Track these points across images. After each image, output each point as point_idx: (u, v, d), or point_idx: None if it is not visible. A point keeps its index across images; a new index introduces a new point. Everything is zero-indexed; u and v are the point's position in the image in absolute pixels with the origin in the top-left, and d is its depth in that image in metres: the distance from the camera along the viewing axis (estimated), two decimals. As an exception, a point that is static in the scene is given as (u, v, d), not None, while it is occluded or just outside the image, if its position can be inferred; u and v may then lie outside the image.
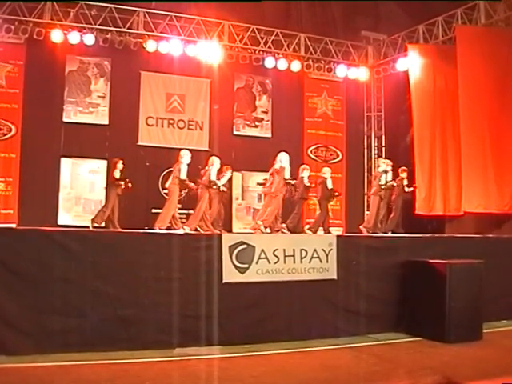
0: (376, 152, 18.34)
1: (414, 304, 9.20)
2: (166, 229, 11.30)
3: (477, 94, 13.71)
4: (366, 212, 17.48)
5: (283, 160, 11.89)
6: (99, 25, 14.57)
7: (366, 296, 9.17)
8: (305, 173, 13.15)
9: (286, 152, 12.10)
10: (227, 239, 8.52)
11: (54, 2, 14.15)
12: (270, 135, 17.20)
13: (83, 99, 15.23)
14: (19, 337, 7.19)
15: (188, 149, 12.85)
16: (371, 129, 18.50)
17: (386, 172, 13.52)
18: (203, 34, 15.57)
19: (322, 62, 17.31)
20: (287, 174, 11.75)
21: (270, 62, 16.47)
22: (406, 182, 13.63)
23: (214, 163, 12.28)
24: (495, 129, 13.66)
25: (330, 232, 13.23)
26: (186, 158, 11.88)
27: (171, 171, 12.12)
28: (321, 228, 13.35)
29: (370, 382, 6.82)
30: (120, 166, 12.56)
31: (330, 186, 13.54)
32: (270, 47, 16.45)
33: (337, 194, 13.95)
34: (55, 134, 14.82)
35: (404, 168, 13.70)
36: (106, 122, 15.32)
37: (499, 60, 13.67)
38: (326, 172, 13.75)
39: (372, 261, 9.34)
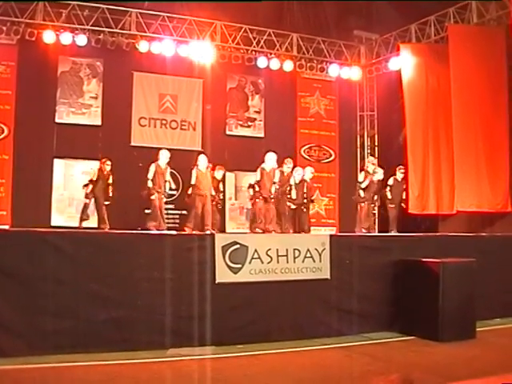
0: (369, 151, 18.37)
1: (407, 303, 9.19)
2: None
3: (469, 92, 13.75)
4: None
5: (267, 160, 11.86)
6: (91, 25, 14.58)
7: (359, 295, 9.16)
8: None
9: (272, 152, 12.05)
10: (220, 239, 8.49)
11: (46, 3, 14.13)
12: (262, 135, 17.21)
13: (76, 100, 15.22)
14: (12, 338, 7.13)
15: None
16: (364, 128, 18.54)
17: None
18: (195, 34, 15.58)
19: (315, 61, 17.36)
20: (277, 177, 11.72)
21: (262, 62, 16.50)
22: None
23: (198, 162, 12.30)
24: (488, 128, 13.72)
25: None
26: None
27: None
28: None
29: (363, 381, 6.85)
30: (106, 167, 12.60)
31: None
32: (262, 47, 16.47)
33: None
34: (48, 134, 14.79)
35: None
36: (99, 123, 15.30)
37: (491, 59, 13.73)
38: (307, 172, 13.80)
39: (365, 260, 9.33)
